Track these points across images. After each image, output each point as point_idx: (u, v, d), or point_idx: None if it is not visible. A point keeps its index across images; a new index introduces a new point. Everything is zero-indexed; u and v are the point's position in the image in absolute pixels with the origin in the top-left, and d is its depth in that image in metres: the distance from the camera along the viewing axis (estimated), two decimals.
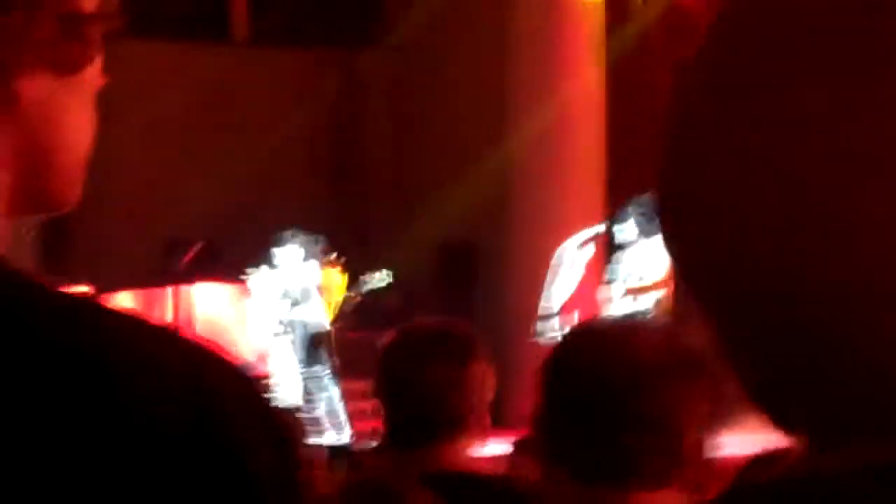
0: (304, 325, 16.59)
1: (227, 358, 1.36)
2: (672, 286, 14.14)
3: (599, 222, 16.64)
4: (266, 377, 16.87)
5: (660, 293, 14.68)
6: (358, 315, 17.32)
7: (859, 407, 1.14)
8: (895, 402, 1.12)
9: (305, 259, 16.58)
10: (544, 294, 16.34)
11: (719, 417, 2.84)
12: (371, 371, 4.71)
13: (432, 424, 4.11)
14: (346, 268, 17.29)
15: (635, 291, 14.86)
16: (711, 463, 7.06)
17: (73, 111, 1.38)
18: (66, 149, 1.37)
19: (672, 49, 17.16)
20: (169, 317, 18.51)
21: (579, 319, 15.14)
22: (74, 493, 1.21)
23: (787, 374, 1.17)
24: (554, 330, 15.49)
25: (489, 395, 4.18)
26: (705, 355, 2.90)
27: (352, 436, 15.62)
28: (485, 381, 4.13)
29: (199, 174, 20.65)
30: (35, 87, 1.32)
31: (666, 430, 2.89)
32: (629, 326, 3.93)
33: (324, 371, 16.38)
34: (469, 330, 4.32)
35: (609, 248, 15.96)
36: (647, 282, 14.86)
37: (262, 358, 17.07)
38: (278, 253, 16.71)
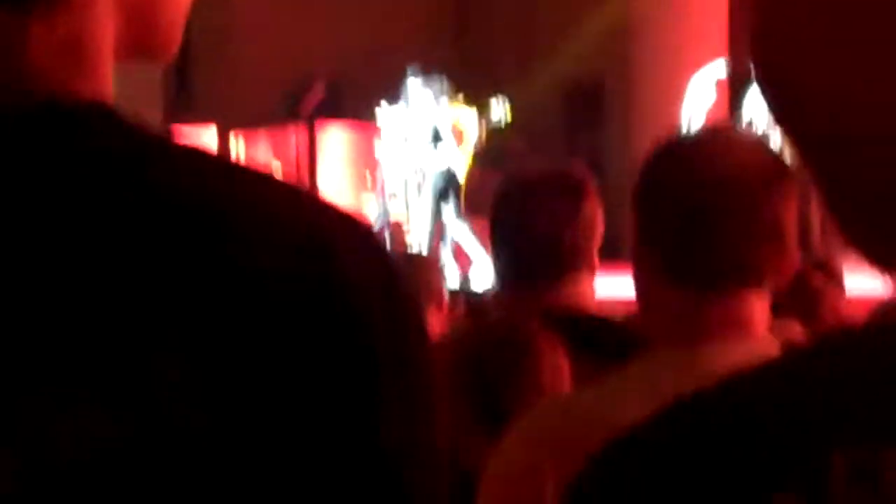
0: (436, 166, 16.64)
1: (348, 213, 1.30)
2: None
3: (722, 57, 16.52)
4: (395, 220, 17.25)
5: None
6: (484, 156, 17.18)
7: None
8: None
9: (436, 98, 16.61)
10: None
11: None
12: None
13: (550, 261, 4.06)
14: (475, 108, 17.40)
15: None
16: (830, 294, 6.89)
17: None
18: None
19: None
20: (293, 157, 19.03)
21: None
22: (192, 347, 1.17)
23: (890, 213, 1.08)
24: None
25: (600, 234, 4.12)
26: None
27: (466, 277, 15.76)
28: (595, 219, 4.06)
29: (323, 15, 20.81)
30: None
31: (777, 235, 2.85)
32: (723, 136, 3.59)
33: (452, 212, 16.41)
34: (580, 171, 4.30)
35: (733, 83, 15.83)
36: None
37: (392, 199, 17.28)
38: (409, 90, 16.75)
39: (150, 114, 19.54)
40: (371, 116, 17.89)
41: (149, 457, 1.13)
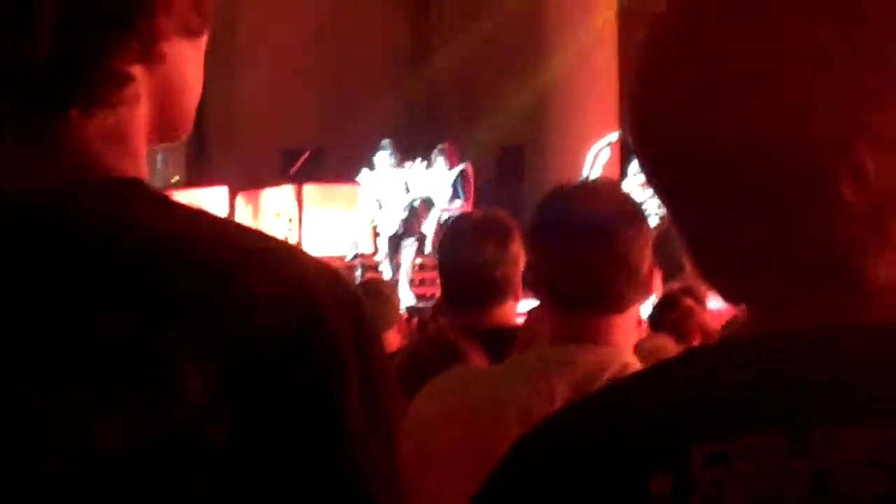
0: (397, 215, 17.35)
1: (322, 262, 1.37)
2: None
3: (615, 129, 16.79)
4: (371, 254, 17.80)
5: None
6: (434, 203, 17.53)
7: (791, 282, 1.16)
8: (818, 277, 1.15)
9: (398, 162, 17.44)
10: None
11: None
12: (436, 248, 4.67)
13: (482, 291, 4.06)
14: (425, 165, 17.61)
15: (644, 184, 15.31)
16: (697, 313, 6.89)
17: (193, 65, 1.41)
18: (187, 92, 1.41)
19: None
20: (285, 210, 19.19)
21: None
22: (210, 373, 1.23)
23: (737, 256, 1.19)
24: None
25: (522, 268, 4.00)
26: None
27: (417, 298, 15.85)
28: (519, 256, 3.98)
29: (311, 98, 21.17)
30: (172, 47, 1.35)
31: (629, 266, 2.91)
32: (591, 187, 4.03)
33: (409, 247, 17.10)
34: (506, 217, 4.22)
35: (623, 150, 16.01)
36: None
37: (369, 240, 17.93)
38: (379, 156, 17.58)
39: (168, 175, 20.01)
40: (349, 177, 18.28)
41: (170, 447, 1.21)
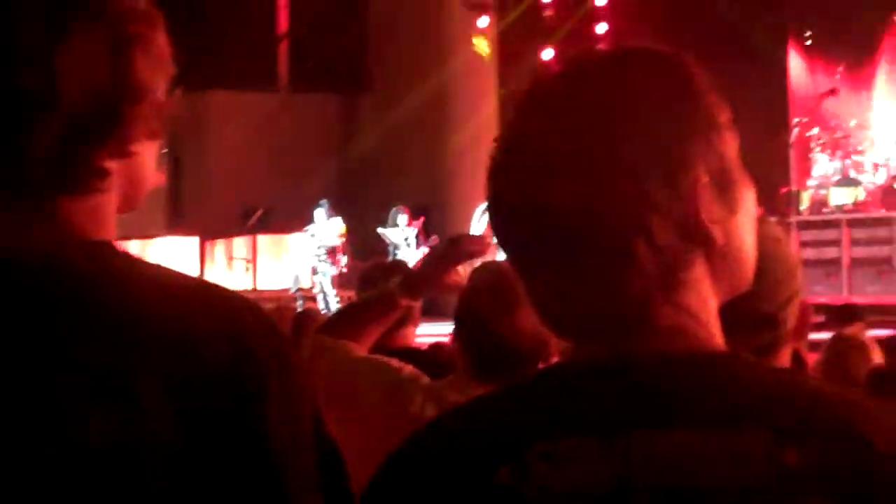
0: (325, 257, 17.36)
1: (251, 303, 1.34)
2: None
3: None
4: (309, 288, 17.61)
5: None
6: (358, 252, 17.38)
7: (601, 322, 1.17)
8: (619, 318, 1.16)
9: (330, 218, 17.51)
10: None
11: None
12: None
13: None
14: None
15: None
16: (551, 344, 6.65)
17: (152, 159, 1.37)
18: (148, 178, 1.37)
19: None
20: (243, 255, 19.36)
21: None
22: (153, 401, 1.22)
23: (561, 302, 1.20)
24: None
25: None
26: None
27: None
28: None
29: (264, 171, 21.33)
30: (139, 147, 1.32)
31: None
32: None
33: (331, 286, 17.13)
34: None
35: None
36: None
37: (308, 277, 17.75)
38: (317, 213, 17.58)
39: (155, 227, 19.57)
40: (294, 229, 18.41)
41: (134, 447, 1.20)
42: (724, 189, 1.20)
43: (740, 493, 1.08)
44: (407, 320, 3.83)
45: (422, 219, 18.05)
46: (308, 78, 22.13)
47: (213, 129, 21.41)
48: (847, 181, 17.63)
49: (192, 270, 16.90)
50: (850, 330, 5.05)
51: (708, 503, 1.09)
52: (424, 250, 16.76)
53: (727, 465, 1.09)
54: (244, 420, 1.27)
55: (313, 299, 17.34)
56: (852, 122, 18.32)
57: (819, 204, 17.62)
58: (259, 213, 19.66)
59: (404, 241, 17.41)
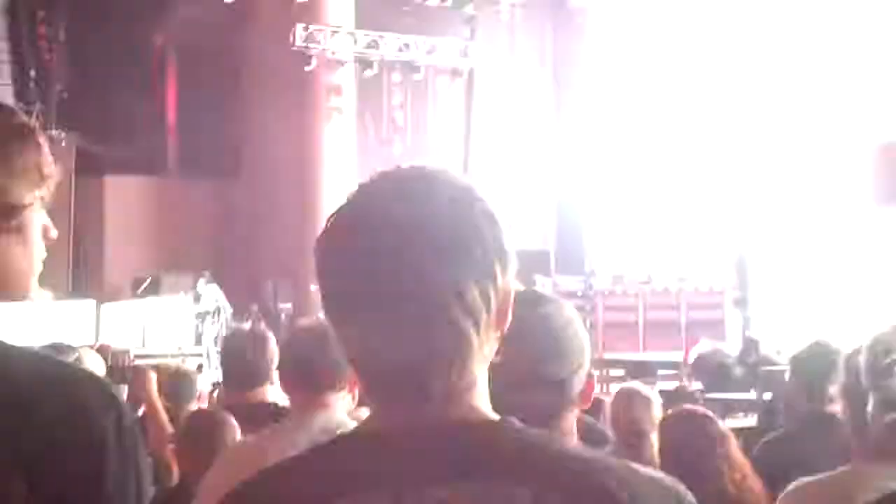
0: (214, 328, 17.16)
1: (98, 377, 1.33)
2: None
3: None
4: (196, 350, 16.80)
5: None
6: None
7: (402, 391, 1.16)
8: (401, 387, 1.15)
9: (207, 284, 17.47)
10: None
11: None
12: None
13: (248, 378, 3.85)
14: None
15: None
16: None
17: (37, 228, 1.35)
18: (37, 244, 1.35)
19: None
20: (133, 319, 18.46)
21: None
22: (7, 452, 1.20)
23: (366, 370, 1.19)
24: None
25: (274, 361, 3.82)
26: None
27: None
28: (273, 356, 3.78)
29: (154, 244, 20.91)
30: (33, 218, 1.32)
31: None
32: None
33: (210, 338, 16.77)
34: (265, 330, 4.00)
35: None
36: None
37: (191, 337, 17.33)
38: (199, 283, 17.54)
39: (56, 291, 18.37)
40: (179, 296, 17.85)
41: None
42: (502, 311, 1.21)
43: None
44: (265, 379, 3.78)
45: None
46: (192, 165, 21.77)
47: (110, 207, 21.25)
48: None
49: (89, 330, 16.25)
50: (636, 383, 5.07)
51: None
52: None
53: None
54: (85, 478, 1.27)
55: (195, 357, 16.30)
56: None
57: (619, 275, 17.88)
58: (148, 281, 19.30)
59: (215, 303, 17.11)
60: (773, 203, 16.77)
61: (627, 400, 4.61)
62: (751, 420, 8.44)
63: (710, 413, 4.21)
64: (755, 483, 3.83)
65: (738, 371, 11.26)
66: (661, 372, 13.63)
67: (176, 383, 5.81)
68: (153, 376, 5.27)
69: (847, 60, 15.99)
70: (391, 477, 1.12)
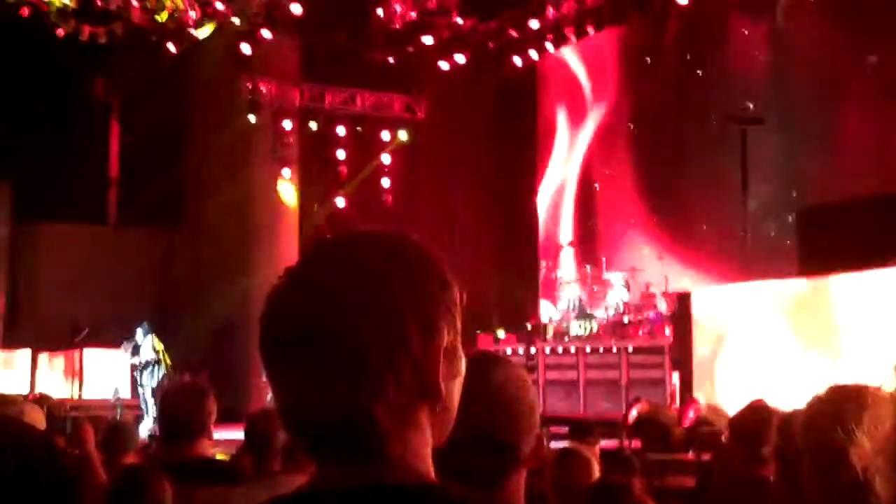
0: (148, 369, 17.07)
1: (41, 434, 1.40)
2: None
3: None
4: (130, 397, 17.17)
5: None
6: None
7: (341, 453, 1.15)
8: (343, 445, 1.14)
9: (147, 336, 17.33)
10: None
11: None
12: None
13: (184, 430, 3.81)
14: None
15: None
16: None
17: None
18: None
19: None
20: (71, 368, 18.83)
21: None
22: None
23: (304, 429, 1.19)
24: None
25: (214, 416, 3.85)
26: None
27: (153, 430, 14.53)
28: (213, 409, 3.80)
29: (92, 293, 20.46)
30: None
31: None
32: None
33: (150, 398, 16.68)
34: (204, 383, 4.04)
35: None
36: None
37: (128, 386, 17.44)
38: (138, 332, 17.37)
39: None
40: (116, 345, 18.01)
41: None
42: (453, 356, 1.24)
43: None
44: (202, 432, 3.76)
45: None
46: (133, 214, 21.75)
47: (47, 255, 21.16)
48: (583, 315, 18.13)
49: (24, 379, 16.36)
50: (574, 444, 5.12)
51: None
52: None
53: None
54: None
55: (133, 407, 17.05)
56: (588, 268, 18.91)
57: (561, 334, 18.06)
58: (86, 330, 19.26)
59: (153, 353, 17.05)
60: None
61: (567, 461, 4.62)
62: (690, 481, 8.47)
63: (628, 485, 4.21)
64: None
65: (677, 432, 11.25)
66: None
67: (112, 436, 5.81)
68: (90, 429, 5.28)
69: None
70: None
